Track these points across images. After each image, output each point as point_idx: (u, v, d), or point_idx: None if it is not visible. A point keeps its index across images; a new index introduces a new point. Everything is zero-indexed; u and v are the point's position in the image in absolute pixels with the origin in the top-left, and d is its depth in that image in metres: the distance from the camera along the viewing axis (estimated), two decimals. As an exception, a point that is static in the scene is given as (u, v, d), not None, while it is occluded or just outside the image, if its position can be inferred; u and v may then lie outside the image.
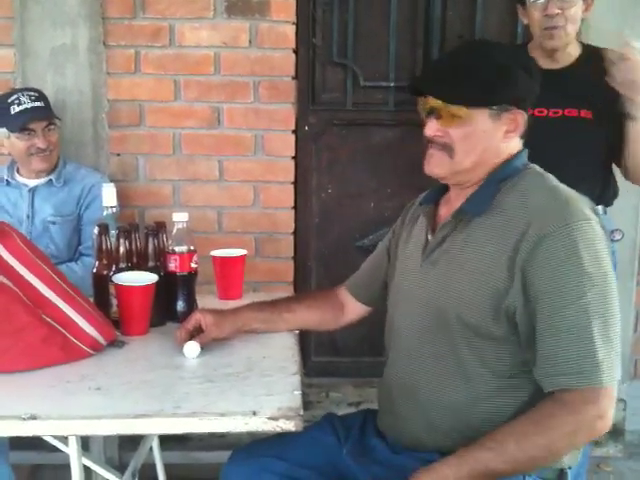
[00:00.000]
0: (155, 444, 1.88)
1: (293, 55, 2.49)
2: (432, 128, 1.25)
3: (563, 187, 1.23)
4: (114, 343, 1.46)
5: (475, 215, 1.23)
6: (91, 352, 1.40)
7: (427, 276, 1.30)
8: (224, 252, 1.84)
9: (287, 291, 2.55)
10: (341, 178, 2.68)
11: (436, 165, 1.27)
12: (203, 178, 2.53)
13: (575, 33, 1.92)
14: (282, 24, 2.45)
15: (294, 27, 2.46)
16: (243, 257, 1.84)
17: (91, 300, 1.54)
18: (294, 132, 2.54)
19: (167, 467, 1.96)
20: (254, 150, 2.52)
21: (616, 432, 2.57)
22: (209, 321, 1.45)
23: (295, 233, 2.60)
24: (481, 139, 1.23)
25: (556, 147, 1.86)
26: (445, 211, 1.35)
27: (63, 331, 1.36)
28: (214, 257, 1.81)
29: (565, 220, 1.14)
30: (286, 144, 2.53)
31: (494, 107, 1.22)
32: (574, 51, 1.96)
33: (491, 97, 1.22)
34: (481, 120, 1.22)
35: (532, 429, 1.11)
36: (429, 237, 1.33)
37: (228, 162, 2.52)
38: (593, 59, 1.92)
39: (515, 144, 1.29)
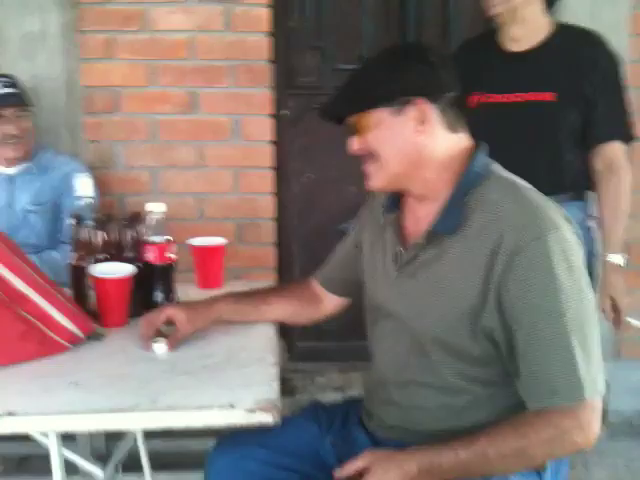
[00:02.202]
0: (139, 434, 1.88)
1: (269, 39, 2.46)
2: (352, 144, 1.26)
3: (532, 194, 1.18)
4: (92, 336, 1.45)
5: (448, 234, 1.20)
6: (69, 346, 1.38)
7: (400, 291, 1.27)
8: (203, 241, 1.83)
9: (270, 277, 2.55)
10: (321, 162, 2.68)
11: (372, 179, 1.26)
12: (181, 164, 2.51)
13: (524, 4, 1.82)
14: (257, 7, 2.42)
15: (269, 10, 2.44)
16: (222, 246, 1.83)
17: (68, 292, 1.54)
18: (272, 116, 2.52)
19: (152, 455, 1.96)
20: (232, 135, 2.49)
21: (599, 412, 2.61)
22: (182, 318, 1.42)
23: (276, 219, 2.60)
24: (392, 137, 1.21)
25: (521, 132, 1.83)
26: (410, 220, 1.31)
27: (40, 326, 1.35)
28: (193, 247, 1.80)
29: (536, 233, 1.10)
30: (264, 129, 2.51)
31: (392, 103, 1.19)
32: (540, 31, 1.87)
33: (378, 94, 1.20)
34: (385, 119, 1.20)
35: (508, 430, 1.11)
36: (400, 249, 1.29)
37: (206, 148, 2.50)
38: (564, 38, 1.86)
39: (461, 140, 1.24)
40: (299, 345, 2.79)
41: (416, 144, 1.20)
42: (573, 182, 1.90)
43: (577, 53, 1.84)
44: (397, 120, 1.20)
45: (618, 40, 2.22)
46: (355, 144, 1.26)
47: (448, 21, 2.60)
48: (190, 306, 1.47)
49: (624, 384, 2.71)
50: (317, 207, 2.70)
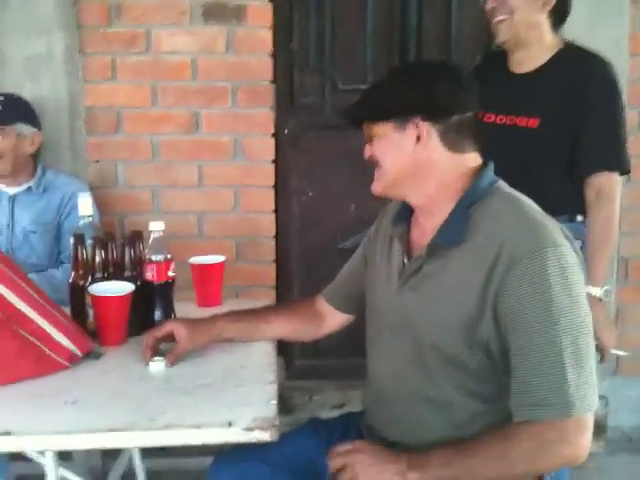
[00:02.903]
0: (136, 452, 1.88)
1: (271, 60, 2.48)
2: (365, 151, 1.34)
3: (534, 211, 1.21)
4: (91, 354, 1.45)
5: (450, 246, 1.22)
6: (67, 364, 1.39)
7: (403, 302, 1.29)
8: (202, 259, 1.84)
9: (269, 295, 2.56)
10: (321, 181, 2.69)
11: (375, 183, 1.33)
12: (182, 183, 2.52)
13: (526, 26, 1.81)
14: (259, 29, 2.44)
15: (271, 32, 2.46)
16: (222, 264, 1.84)
17: (67, 310, 1.54)
18: (273, 136, 2.54)
19: (149, 473, 1.96)
20: (233, 154, 2.51)
21: (598, 428, 2.56)
22: (183, 334, 1.44)
23: (276, 237, 2.60)
24: (392, 150, 1.27)
25: (507, 153, 1.72)
26: (417, 234, 1.34)
27: (38, 344, 1.36)
28: (192, 265, 1.81)
29: (534, 248, 1.12)
30: (265, 148, 2.53)
31: (394, 120, 1.26)
32: (546, 53, 1.85)
33: (383, 109, 1.28)
34: (389, 133, 1.27)
35: (491, 440, 1.12)
36: (405, 261, 1.32)
37: (207, 167, 2.52)
38: (567, 57, 1.83)
39: (466, 160, 1.27)
40: (298, 363, 2.78)
41: (414, 159, 1.26)
42: (560, 206, 1.77)
43: (576, 68, 1.81)
44: (398, 135, 1.26)
45: (618, 60, 2.23)
46: (367, 152, 1.34)
47: (449, 44, 2.61)
48: (191, 322, 1.48)
49: (623, 400, 2.71)
50: (316, 225, 2.71)
